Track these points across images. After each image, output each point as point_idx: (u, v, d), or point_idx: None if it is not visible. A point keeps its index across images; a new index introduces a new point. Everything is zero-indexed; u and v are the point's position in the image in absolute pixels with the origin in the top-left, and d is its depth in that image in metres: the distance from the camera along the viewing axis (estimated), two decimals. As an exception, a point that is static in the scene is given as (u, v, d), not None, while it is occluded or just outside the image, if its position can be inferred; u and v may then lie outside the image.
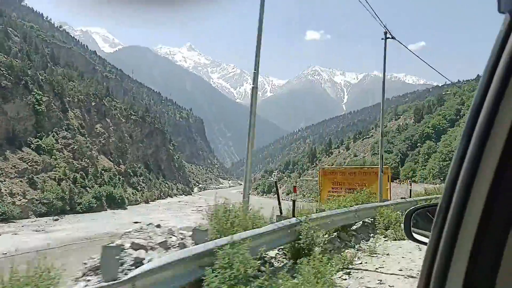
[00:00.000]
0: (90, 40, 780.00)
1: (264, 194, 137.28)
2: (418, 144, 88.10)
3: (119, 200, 70.94)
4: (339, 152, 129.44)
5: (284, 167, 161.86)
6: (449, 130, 79.39)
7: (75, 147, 73.76)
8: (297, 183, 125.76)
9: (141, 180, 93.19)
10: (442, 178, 66.20)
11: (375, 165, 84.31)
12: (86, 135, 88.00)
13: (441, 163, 64.10)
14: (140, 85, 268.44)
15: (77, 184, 64.01)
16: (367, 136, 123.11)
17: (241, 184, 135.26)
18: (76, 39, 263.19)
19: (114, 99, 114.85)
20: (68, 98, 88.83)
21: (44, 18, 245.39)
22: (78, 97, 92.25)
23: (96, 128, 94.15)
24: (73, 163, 70.21)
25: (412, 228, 2.09)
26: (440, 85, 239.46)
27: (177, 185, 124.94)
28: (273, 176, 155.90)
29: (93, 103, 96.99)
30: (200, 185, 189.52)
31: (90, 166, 74.77)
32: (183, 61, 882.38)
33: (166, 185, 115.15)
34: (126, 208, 71.32)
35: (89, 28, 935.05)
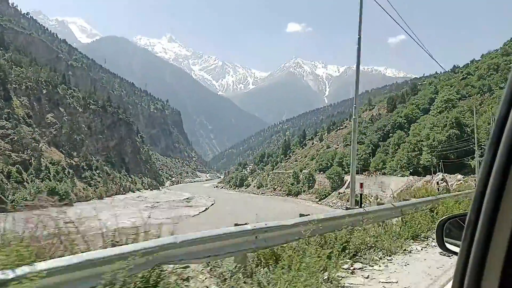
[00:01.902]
0: (66, 30, 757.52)
1: (236, 187, 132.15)
2: (390, 134, 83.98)
3: (64, 196, 64.24)
4: (312, 143, 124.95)
5: (259, 160, 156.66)
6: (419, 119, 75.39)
7: (16, 138, 66.79)
8: (269, 176, 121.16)
9: (96, 174, 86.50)
10: (411, 170, 62.05)
11: (345, 158, 79.16)
12: (34, 125, 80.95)
13: (409, 153, 59.79)
14: (113, 75, 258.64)
15: (11, 179, 57.22)
16: (340, 127, 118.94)
17: (220, 177, 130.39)
18: (44, 27, 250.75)
19: (71, 87, 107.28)
20: (14, 85, 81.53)
21: (10, 4, 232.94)
22: (27, 84, 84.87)
23: (47, 118, 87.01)
24: (11, 156, 63.39)
25: (444, 238, 2.00)
26: (418, 77, 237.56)
27: (143, 179, 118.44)
28: (248, 169, 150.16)
29: (44, 91, 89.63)
30: (173, 179, 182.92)
31: (33, 159, 67.93)
32: (163, 53, 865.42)
33: (129, 179, 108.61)
34: (72, 205, 64.78)
35: (66, 18, 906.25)
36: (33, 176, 63.57)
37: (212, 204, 75.57)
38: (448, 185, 31.61)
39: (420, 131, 60.36)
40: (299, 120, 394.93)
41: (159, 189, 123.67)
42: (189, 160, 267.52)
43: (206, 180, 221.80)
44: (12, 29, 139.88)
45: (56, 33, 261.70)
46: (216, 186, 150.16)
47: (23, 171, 62.44)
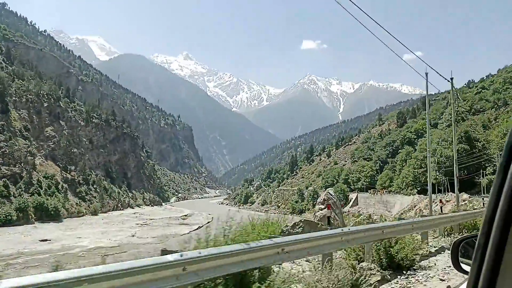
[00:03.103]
0: (86, 48, 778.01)
1: (241, 204, 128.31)
2: (399, 150, 79.58)
3: (52, 212, 61.86)
4: (320, 160, 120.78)
5: (266, 176, 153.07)
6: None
7: (7, 151, 65.05)
8: (274, 193, 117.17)
9: (93, 189, 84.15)
10: (419, 189, 57.47)
11: (351, 174, 75.07)
12: (32, 138, 79.44)
13: (416, 170, 55.37)
14: (125, 90, 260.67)
15: (-5, 193, 55.10)
16: (349, 143, 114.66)
17: (229, 193, 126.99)
18: (60, 44, 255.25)
19: (74, 101, 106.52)
20: (14, 98, 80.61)
21: (28, 22, 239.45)
22: (27, 97, 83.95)
23: (46, 131, 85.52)
24: (0, 169, 61.52)
25: (460, 259, 1.96)
26: (433, 93, 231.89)
27: (144, 195, 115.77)
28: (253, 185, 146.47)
29: (45, 104, 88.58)
30: (180, 195, 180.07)
31: (24, 172, 65.96)
32: (180, 70, 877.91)
33: (130, 194, 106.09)
34: (61, 221, 62.35)
35: (86, 37, 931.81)
36: (21, 191, 61.39)
37: (208, 222, 71.93)
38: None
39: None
40: (311, 136, 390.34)
41: (161, 205, 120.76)
42: (198, 176, 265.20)
43: (215, 196, 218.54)
44: (23, 44, 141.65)
45: (72, 50, 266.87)
46: (222, 203, 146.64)
47: (11, 185, 60.38)
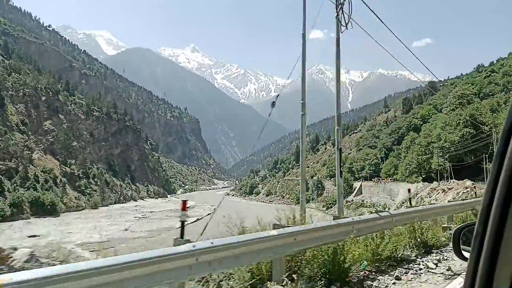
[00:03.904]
0: (93, 43, 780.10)
1: (246, 195, 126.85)
2: (405, 137, 76.88)
3: (49, 207, 60.94)
4: (325, 149, 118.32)
5: (272, 166, 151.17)
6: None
7: (2, 145, 64.16)
8: (279, 184, 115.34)
9: (93, 183, 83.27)
10: (424, 176, 54.98)
11: (355, 163, 72.78)
12: (30, 133, 78.73)
13: (419, 157, 52.75)
14: (131, 84, 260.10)
15: (-11, 188, 54.22)
16: (355, 131, 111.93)
17: (237, 184, 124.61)
18: (65, 38, 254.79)
19: (74, 94, 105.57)
20: (11, 92, 79.77)
21: (32, 17, 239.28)
22: (24, 91, 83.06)
23: (45, 125, 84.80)
24: (-6, 164, 60.68)
25: (461, 246, 1.98)
26: (442, 80, 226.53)
27: (148, 187, 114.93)
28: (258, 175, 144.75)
29: (43, 98, 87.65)
30: (187, 187, 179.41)
31: (20, 167, 65.09)
32: (187, 63, 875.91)
33: (133, 187, 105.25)
34: (58, 216, 61.42)
35: (93, 32, 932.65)
36: (16, 185, 60.52)
37: (209, 214, 70.48)
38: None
39: (431, 131, 53.44)
40: (320, 126, 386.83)
41: (166, 197, 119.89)
42: (206, 167, 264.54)
43: (223, 187, 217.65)
44: (24, 38, 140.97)
45: (77, 45, 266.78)
46: (227, 194, 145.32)
47: (6, 180, 59.52)
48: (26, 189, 61.60)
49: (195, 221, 59.76)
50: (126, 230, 46.73)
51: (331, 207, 76.69)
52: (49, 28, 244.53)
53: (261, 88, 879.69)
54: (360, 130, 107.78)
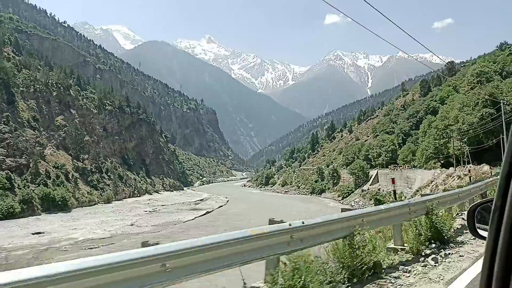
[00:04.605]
0: (110, 38, 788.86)
1: (262, 186, 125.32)
2: (423, 121, 73.25)
3: (60, 202, 60.84)
4: (341, 136, 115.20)
5: (289, 156, 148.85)
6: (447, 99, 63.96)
7: (11, 142, 64.27)
8: (295, 173, 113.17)
9: (106, 177, 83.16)
10: (442, 162, 51.82)
11: (371, 150, 69.73)
12: (42, 129, 78.89)
13: (436, 141, 49.51)
14: (147, 77, 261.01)
15: (-2, 185, 54.23)
16: (371, 117, 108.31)
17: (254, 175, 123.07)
18: (81, 34, 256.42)
19: (86, 89, 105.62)
20: (21, 88, 79.92)
21: (48, 14, 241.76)
22: (35, 87, 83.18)
23: (57, 121, 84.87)
24: (4, 161, 60.80)
25: (476, 224, 2.00)
26: (464, 61, 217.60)
27: (164, 180, 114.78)
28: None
29: (54, 93, 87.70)
30: (204, 179, 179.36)
31: (31, 163, 65.14)
32: (203, 54, 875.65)
33: (148, 180, 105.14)
34: (69, 211, 61.28)
35: (110, 27, 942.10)
36: (27, 182, 60.59)
37: (220, 206, 69.38)
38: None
39: (448, 113, 50.03)
40: (338, 113, 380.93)
41: (182, 190, 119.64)
42: (224, 159, 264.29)
43: (241, 178, 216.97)
44: (37, 35, 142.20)
45: (92, 40, 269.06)
46: (244, 185, 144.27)
47: (16, 177, 59.63)
48: (36, 185, 61.62)
49: (204, 214, 58.73)
50: (132, 225, 45.79)
51: (347, 196, 74.33)
52: (64, 25, 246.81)
53: (278, 77, 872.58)
54: (377, 115, 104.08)
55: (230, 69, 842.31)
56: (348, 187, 74.38)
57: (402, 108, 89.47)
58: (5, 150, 62.77)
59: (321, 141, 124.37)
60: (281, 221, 4.77)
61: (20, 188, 57.90)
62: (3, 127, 65.47)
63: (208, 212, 59.65)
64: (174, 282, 3.33)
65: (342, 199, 73.76)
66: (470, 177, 20.34)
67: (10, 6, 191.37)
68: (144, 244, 3.35)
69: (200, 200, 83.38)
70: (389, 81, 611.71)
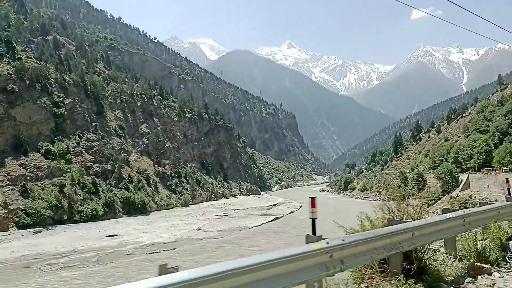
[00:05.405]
0: (197, 51, 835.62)
1: (341, 191, 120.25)
2: (526, 117, 63.42)
3: (139, 206, 64.33)
4: (428, 137, 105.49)
5: (370, 159, 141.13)
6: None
7: (98, 149, 69.83)
8: (376, 178, 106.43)
9: (185, 181, 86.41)
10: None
11: (461, 152, 62.29)
12: (127, 137, 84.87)
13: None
14: (228, 85, 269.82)
15: (85, 190, 58.96)
16: (463, 115, 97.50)
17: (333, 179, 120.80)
18: (169, 48, 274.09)
19: (168, 98, 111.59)
20: (110, 100, 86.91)
21: (140, 32, 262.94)
22: (121, 98, 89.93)
23: (141, 129, 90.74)
24: (92, 167, 66.15)
25: None
26: None
27: (241, 184, 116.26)
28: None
29: (138, 103, 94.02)
30: (283, 183, 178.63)
31: (116, 168, 70.07)
32: (284, 59, 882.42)
33: (225, 185, 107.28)
34: (148, 214, 64.49)
35: (197, 40, 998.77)
36: (111, 186, 65.12)
37: (291, 212, 67.39)
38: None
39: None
40: (429, 112, 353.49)
41: (259, 194, 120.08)
42: (304, 163, 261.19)
43: (322, 183, 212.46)
44: (128, 51, 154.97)
45: (179, 53, 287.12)
46: (322, 190, 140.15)
47: (101, 181, 64.43)
48: (119, 189, 65.93)
49: (273, 220, 57.32)
50: (198, 229, 46.13)
51: (433, 203, 67.11)
52: (154, 41, 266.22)
53: (361, 77, 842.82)
54: (469, 113, 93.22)
55: (310, 73, 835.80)
56: (434, 193, 67.05)
57: (499, 104, 78.65)
58: (93, 157, 68.34)
59: (406, 143, 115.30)
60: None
61: (104, 192, 62.28)
62: (92, 136, 71.45)
63: (277, 218, 58.14)
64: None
65: (427, 206, 66.69)
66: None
67: (108, 27, 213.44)
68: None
69: (273, 205, 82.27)
70: (488, 75, 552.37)
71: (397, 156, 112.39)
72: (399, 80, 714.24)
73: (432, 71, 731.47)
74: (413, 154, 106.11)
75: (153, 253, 33.02)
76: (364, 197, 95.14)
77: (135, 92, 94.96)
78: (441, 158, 77.84)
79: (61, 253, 33.72)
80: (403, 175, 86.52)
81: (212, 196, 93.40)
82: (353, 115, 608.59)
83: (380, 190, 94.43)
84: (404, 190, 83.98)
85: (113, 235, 43.07)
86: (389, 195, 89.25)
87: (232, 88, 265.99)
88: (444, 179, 65.93)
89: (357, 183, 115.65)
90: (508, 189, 16.14)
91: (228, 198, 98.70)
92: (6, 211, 47.68)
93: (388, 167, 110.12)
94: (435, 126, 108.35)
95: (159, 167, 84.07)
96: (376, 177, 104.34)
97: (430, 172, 77.41)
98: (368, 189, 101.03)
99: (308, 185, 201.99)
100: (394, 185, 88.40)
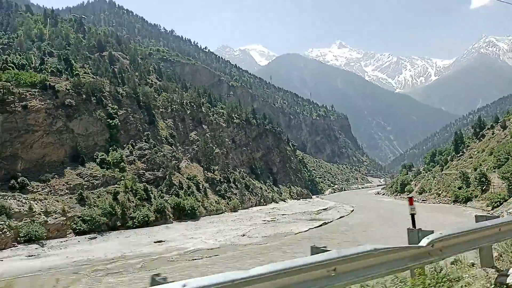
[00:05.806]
0: (248, 57, 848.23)
1: (397, 193, 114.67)
2: None
3: (189, 211, 65.66)
4: (493, 133, 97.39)
5: (429, 159, 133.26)
6: None
7: (150, 157, 72.44)
8: (435, 179, 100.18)
9: (234, 187, 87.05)
10: None
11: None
12: (178, 144, 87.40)
13: None
14: (278, 89, 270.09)
15: (137, 197, 61.28)
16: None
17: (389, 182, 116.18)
18: (219, 57, 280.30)
19: (216, 105, 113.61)
20: (161, 109, 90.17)
21: (191, 43, 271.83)
22: (172, 107, 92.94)
23: (190, 136, 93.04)
24: (144, 174, 68.69)
25: None
26: None
27: (291, 188, 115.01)
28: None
29: (188, 112, 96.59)
30: (335, 186, 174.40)
31: (167, 175, 72.24)
32: (335, 60, 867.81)
33: (275, 189, 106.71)
34: (198, 219, 65.62)
35: (247, 47, 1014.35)
36: (162, 192, 67.12)
37: (341, 217, 65.11)
38: None
39: None
40: (494, 107, 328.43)
41: (310, 198, 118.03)
42: (359, 165, 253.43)
43: (378, 185, 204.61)
44: (179, 62, 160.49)
45: (229, 60, 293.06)
46: (378, 193, 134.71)
47: (153, 188, 66.67)
48: (170, 195, 67.77)
49: (321, 225, 55.61)
50: (243, 235, 45.89)
51: (499, 205, 61.59)
52: (205, 50, 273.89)
53: (418, 73, 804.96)
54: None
55: (363, 72, 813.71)
56: (499, 195, 61.45)
57: None
58: (145, 165, 70.96)
59: (467, 141, 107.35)
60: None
61: (156, 199, 64.26)
62: (144, 145, 74.32)
63: (325, 223, 56.32)
64: None
65: (492, 209, 61.34)
66: None
67: (161, 40, 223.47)
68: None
69: (323, 209, 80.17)
70: None
71: (458, 155, 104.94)
72: (460, 74, 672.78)
73: (496, 62, 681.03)
74: (475, 152, 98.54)
75: (195, 259, 33.19)
76: (423, 200, 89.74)
77: (184, 101, 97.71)
78: (507, 155, 71.43)
79: (109, 259, 34.95)
80: (464, 175, 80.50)
81: (262, 200, 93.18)
82: (411, 114, 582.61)
83: (440, 192, 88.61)
84: (466, 191, 78.22)
85: (160, 241, 44.06)
86: (449, 197, 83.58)
87: (281, 92, 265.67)
88: (510, 178, 60.28)
89: (415, 185, 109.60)
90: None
91: (277, 203, 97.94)
92: (65, 218, 50.74)
93: (448, 167, 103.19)
94: (499, 121, 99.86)
95: (208, 173, 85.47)
96: (435, 178, 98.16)
97: (495, 172, 71.31)
98: (426, 191, 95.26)
99: (363, 188, 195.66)
100: (455, 186, 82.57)
